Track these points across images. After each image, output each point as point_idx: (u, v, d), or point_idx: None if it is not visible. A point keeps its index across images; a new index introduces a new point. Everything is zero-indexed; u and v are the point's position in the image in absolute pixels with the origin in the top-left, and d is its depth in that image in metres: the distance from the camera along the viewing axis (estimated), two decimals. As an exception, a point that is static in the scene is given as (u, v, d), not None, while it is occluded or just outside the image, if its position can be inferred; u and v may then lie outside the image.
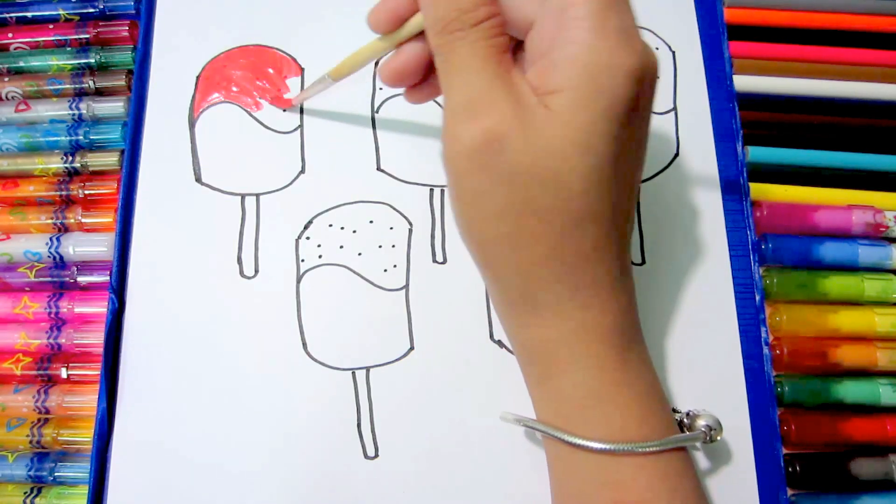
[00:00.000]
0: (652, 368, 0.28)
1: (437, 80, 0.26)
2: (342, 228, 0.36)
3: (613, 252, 0.25)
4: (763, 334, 0.34)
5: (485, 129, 0.23)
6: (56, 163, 0.37)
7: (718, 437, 0.29)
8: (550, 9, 0.24)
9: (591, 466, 0.26)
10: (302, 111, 0.38)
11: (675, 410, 0.29)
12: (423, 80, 0.29)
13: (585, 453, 0.26)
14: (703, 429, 0.28)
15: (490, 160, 0.23)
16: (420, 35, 0.27)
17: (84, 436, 0.33)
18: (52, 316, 0.35)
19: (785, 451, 0.33)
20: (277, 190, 0.37)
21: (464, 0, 0.24)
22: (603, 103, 0.23)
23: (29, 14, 0.40)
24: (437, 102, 0.38)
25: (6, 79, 0.39)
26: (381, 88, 0.39)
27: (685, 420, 0.30)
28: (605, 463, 0.26)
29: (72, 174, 0.37)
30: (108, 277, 0.35)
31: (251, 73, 0.39)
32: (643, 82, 0.24)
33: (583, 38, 0.23)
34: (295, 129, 0.38)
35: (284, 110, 0.38)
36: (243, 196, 0.37)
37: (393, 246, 0.36)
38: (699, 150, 0.38)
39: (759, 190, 0.37)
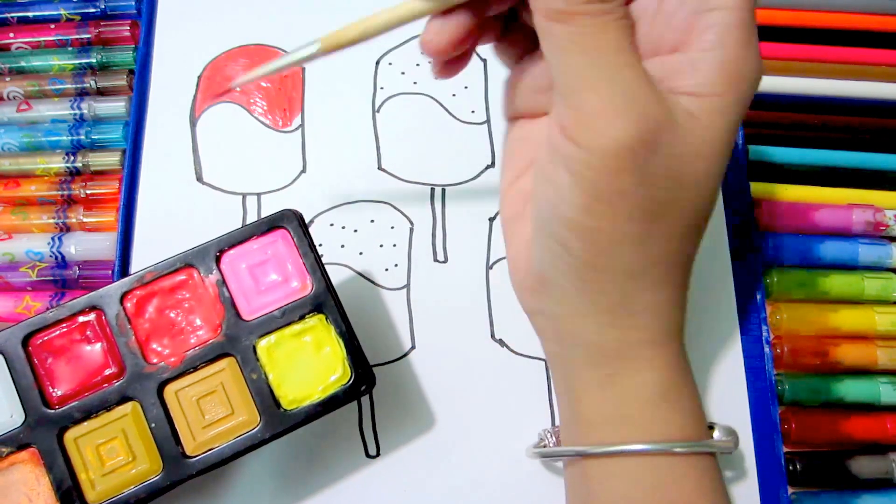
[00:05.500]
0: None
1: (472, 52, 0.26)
2: (343, 228, 0.36)
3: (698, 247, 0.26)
4: (763, 333, 0.35)
5: (642, 128, 0.22)
6: (58, 162, 0.37)
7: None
8: (678, 3, 0.23)
9: (640, 469, 0.25)
10: (303, 111, 0.38)
11: None
12: (465, 53, 0.26)
13: (636, 457, 0.25)
14: (729, 436, 0.28)
15: (641, 161, 0.22)
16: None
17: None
18: (54, 315, 0.35)
19: (785, 449, 0.33)
20: (278, 189, 0.37)
21: None
22: (740, 110, 0.23)
23: (30, 14, 0.40)
24: (436, 100, 0.38)
25: (8, 78, 0.39)
26: (381, 87, 0.39)
27: None
28: (659, 464, 0.25)
29: (73, 174, 0.37)
30: (109, 277, 0.35)
31: (252, 73, 0.39)
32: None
33: (734, 46, 0.22)
34: (296, 129, 0.38)
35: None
36: (244, 195, 0.37)
37: (394, 245, 0.36)
38: (699, 150, 0.38)
39: (759, 189, 0.37)
